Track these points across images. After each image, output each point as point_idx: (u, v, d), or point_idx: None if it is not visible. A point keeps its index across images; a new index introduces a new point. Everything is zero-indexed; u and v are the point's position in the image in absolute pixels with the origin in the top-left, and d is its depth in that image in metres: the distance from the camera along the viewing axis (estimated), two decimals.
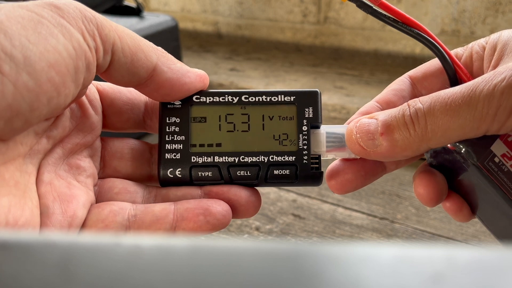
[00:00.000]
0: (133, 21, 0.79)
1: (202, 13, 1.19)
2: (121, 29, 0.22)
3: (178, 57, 0.82)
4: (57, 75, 0.19)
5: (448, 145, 0.24)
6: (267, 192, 0.68)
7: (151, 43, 0.23)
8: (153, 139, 0.28)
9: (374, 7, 0.25)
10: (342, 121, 0.82)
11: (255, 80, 0.91)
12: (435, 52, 0.26)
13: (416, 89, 0.29)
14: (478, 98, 0.21)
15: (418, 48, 0.95)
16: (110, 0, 0.78)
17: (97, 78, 0.24)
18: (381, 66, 0.96)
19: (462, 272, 0.10)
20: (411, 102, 0.23)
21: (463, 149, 0.24)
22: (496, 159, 0.24)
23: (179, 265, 0.11)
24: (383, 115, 0.24)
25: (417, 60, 0.96)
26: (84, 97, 0.25)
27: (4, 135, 0.19)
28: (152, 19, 0.79)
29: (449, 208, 0.27)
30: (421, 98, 0.23)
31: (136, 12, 0.82)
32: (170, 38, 0.79)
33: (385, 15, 0.25)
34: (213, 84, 0.88)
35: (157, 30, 0.77)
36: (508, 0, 0.83)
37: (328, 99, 0.81)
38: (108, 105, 0.26)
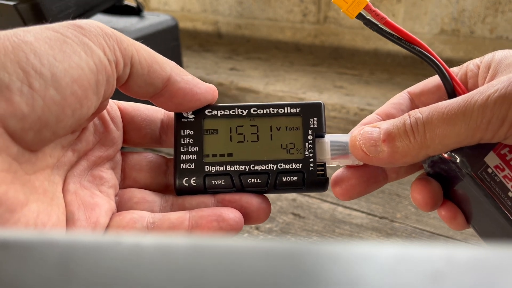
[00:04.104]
0: (133, 20, 0.79)
1: (202, 12, 1.19)
2: (138, 44, 0.24)
3: (178, 56, 0.82)
4: (80, 89, 0.21)
5: (445, 155, 0.26)
6: None
7: (164, 57, 0.26)
8: (166, 154, 0.29)
9: (379, 25, 0.27)
10: (342, 120, 0.82)
11: (255, 79, 0.91)
12: (435, 68, 0.28)
13: (414, 104, 0.31)
14: (473, 108, 0.23)
15: None
16: (110, 0, 0.78)
17: (118, 97, 0.26)
18: (380, 66, 0.96)
19: (462, 271, 0.10)
20: (412, 112, 0.25)
21: (458, 159, 0.25)
22: (489, 170, 0.25)
23: (179, 264, 0.11)
24: (386, 124, 0.26)
25: (416, 60, 0.96)
26: (106, 114, 0.27)
27: (34, 146, 0.21)
28: (152, 19, 0.79)
29: (444, 216, 0.29)
30: (420, 108, 0.25)
31: (136, 11, 0.82)
32: (170, 38, 0.79)
33: (389, 32, 0.27)
34: (213, 84, 0.88)
35: (157, 30, 0.77)
36: (508, 0, 0.83)
37: (328, 99, 0.81)
38: (128, 121, 0.28)
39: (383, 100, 0.82)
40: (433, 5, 0.89)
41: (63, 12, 0.66)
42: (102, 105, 0.24)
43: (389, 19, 0.27)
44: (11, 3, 0.63)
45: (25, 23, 0.64)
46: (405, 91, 0.31)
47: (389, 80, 0.87)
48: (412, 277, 0.10)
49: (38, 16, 0.64)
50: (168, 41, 0.79)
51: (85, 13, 0.70)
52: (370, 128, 0.26)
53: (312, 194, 0.68)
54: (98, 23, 0.23)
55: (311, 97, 0.82)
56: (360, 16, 0.27)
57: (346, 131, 0.91)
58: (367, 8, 0.27)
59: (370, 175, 0.28)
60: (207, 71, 0.92)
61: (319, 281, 0.10)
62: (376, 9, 0.27)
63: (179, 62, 0.82)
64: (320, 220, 0.61)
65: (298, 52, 1.08)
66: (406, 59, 0.95)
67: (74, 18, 0.74)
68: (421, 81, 0.31)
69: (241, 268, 0.11)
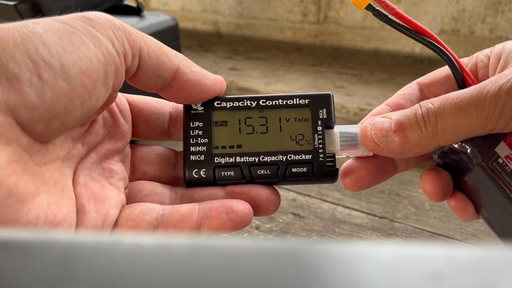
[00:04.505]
0: (133, 20, 0.79)
1: (202, 12, 1.19)
2: (146, 36, 0.24)
3: None
4: (89, 80, 0.21)
5: (455, 145, 0.26)
6: None
7: (172, 49, 0.26)
8: (175, 147, 0.30)
9: (389, 16, 0.27)
10: (342, 120, 0.82)
11: (255, 79, 0.91)
12: (445, 59, 0.27)
13: (424, 94, 0.30)
14: (485, 98, 0.23)
15: (417, 47, 0.95)
16: (110, 0, 0.78)
17: (127, 90, 0.26)
18: (380, 66, 0.96)
19: (462, 270, 0.10)
20: (423, 102, 0.25)
21: (469, 150, 0.25)
22: (500, 160, 0.25)
23: (180, 264, 0.11)
24: (396, 115, 0.26)
25: (416, 60, 0.96)
26: (115, 107, 0.27)
27: (44, 137, 0.21)
28: (152, 19, 0.79)
29: (454, 207, 0.28)
30: (432, 99, 0.25)
31: (136, 11, 0.82)
32: (170, 38, 0.79)
33: (399, 23, 0.27)
34: None
35: (157, 30, 0.77)
36: (508, 0, 0.83)
37: None
38: (137, 114, 0.28)
39: (383, 100, 0.82)
40: (433, 5, 0.89)
41: (63, 12, 0.66)
42: (111, 97, 0.24)
43: (398, 10, 0.27)
44: (11, 3, 0.63)
45: None
46: (415, 81, 0.31)
47: (389, 80, 0.87)
48: (412, 277, 0.10)
49: (38, 16, 0.64)
50: (168, 41, 0.79)
51: None
52: (381, 119, 0.26)
53: (312, 194, 0.68)
54: (106, 15, 0.23)
55: None
56: (369, 7, 0.27)
57: None
58: None
59: (379, 165, 0.28)
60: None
61: (319, 281, 0.10)
62: None
63: None
64: (320, 220, 0.61)
65: (298, 52, 1.08)
66: (406, 59, 0.95)
67: None
68: None
69: (241, 268, 0.11)
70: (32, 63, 0.19)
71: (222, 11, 1.15)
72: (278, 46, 1.10)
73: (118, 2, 0.79)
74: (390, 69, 0.93)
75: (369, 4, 0.27)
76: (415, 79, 0.31)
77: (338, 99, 0.81)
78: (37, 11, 0.64)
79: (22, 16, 0.63)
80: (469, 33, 0.88)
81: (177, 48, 0.81)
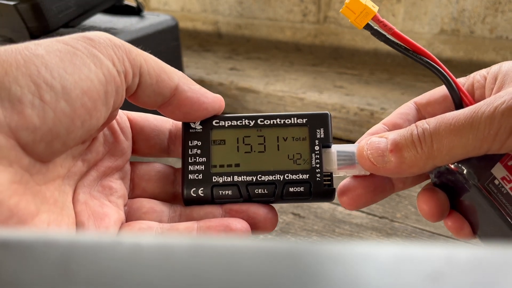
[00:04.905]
0: (133, 20, 0.79)
1: (202, 12, 1.19)
2: (146, 54, 0.25)
3: (178, 56, 0.82)
4: (90, 100, 0.21)
5: (452, 166, 0.26)
6: None
7: (171, 66, 0.26)
8: (173, 164, 0.30)
9: (387, 36, 0.27)
10: (341, 120, 0.82)
11: (255, 79, 0.91)
12: (442, 79, 0.28)
13: (421, 114, 0.31)
14: (480, 119, 0.23)
15: None
16: (110, 0, 0.78)
17: (125, 107, 0.26)
18: (380, 66, 0.96)
19: (461, 270, 0.10)
20: (419, 123, 0.25)
21: (465, 170, 0.25)
22: (496, 181, 0.25)
23: (179, 264, 0.11)
24: (393, 135, 0.26)
25: None
26: (116, 125, 0.27)
27: (45, 157, 0.21)
28: (152, 19, 0.79)
29: (451, 227, 0.29)
30: (427, 119, 0.25)
31: (136, 11, 0.82)
32: (170, 38, 0.79)
33: (396, 43, 0.28)
34: (213, 84, 0.88)
35: (157, 30, 0.77)
36: (508, 0, 0.83)
37: (328, 98, 0.81)
38: (137, 132, 0.28)
39: (383, 100, 0.82)
40: (433, 5, 0.89)
41: (63, 12, 0.66)
42: (112, 116, 0.25)
43: (396, 30, 0.27)
44: (11, 3, 0.63)
45: (25, 23, 0.64)
46: (412, 101, 0.31)
47: (389, 80, 0.87)
48: (412, 277, 0.10)
49: (38, 16, 0.64)
50: (168, 41, 0.79)
51: (85, 13, 0.70)
52: (378, 139, 0.26)
53: None
54: (107, 34, 0.23)
55: (311, 97, 0.82)
56: (367, 27, 0.27)
57: (346, 130, 0.91)
58: (374, 19, 0.27)
59: (376, 184, 0.29)
60: (207, 71, 0.92)
61: (319, 281, 0.10)
62: (383, 19, 0.27)
63: (179, 62, 0.82)
64: (320, 220, 0.61)
65: (298, 52, 1.08)
66: (406, 59, 0.95)
67: (74, 18, 0.73)
68: (420, 81, 0.31)
69: (241, 268, 0.11)
70: (34, 85, 0.20)
71: (222, 11, 1.15)
72: (278, 46, 1.10)
73: (118, 2, 0.79)
74: (390, 69, 0.93)
75: (368, 24, 0.27)
76: (415, 79, 0.31)
77: (338, 99, 0.81)
78: (37, 11, 0.64)
79: (22, 16, 0.63)
80: (469, 33, 0.88)
81: (177, 48, 0.81)
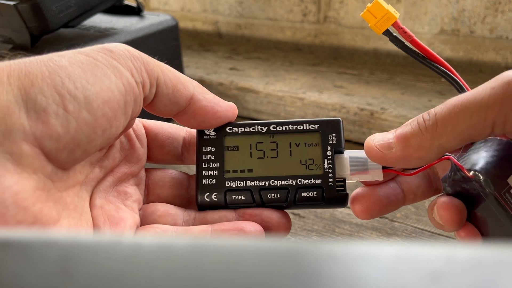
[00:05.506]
0: (133, 20, 0.78)
1: (202, 12, 1.19)
2: (163, 65, 0.26)
3: (178, 56, 0.81)
4: (110, 110, 0.22)
5: (468, 174, 0.25)
6: None
7: (186, 76, 0.27)
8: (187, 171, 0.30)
9: (405, 43, 0.27)
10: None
11: (255, 79, 0.91)
12: (458, 89, 0.28)
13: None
14: (483, 90, 0.23)
15: None
16: (110, 0, 0.78)
17: (142, 115, 0.27)
18: (380, 65, 0.96)
19: (461, 270, 0.10)
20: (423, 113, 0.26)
21: (482, 178, 0.25)
22: None
23: (180, 264, 0.11)
24: (399, 129, 0.26)
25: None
26: (132, 132, 0.28)
27: (66, 164, 0.22)
28: (152, 19, 0.79)
29: (464, 238, 0.28)
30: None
31: (136, 11, 0.82)
32: (170, 38, 0.79)
33: (414, 51, 0.27)
34: (213, 83, 0.88)
35: (157, 30, 0.77)
36: (508, 0, 0.83)
37: (328, 98, 0.81)
38: (152, 139, 0.29)
39: (383, 99, 0.82)
40: (433, 5, 0.89)
41: (63, 12, 0.66)
42: (129, 124, 0.25)
43: (415, 37, 0.27)
44: (11, 3, 0.63)
45: (25, 23, 0.64)
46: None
47: (389, 80, 0.87)
48: (412, 277, 0.10)
49: (38, 16, 0.64)
50: (168, 41, 0.79)
51: (85, 13, 0.70)
52: (384, 132, 0.27)
53: None
54: (126, 46, 0.24)
55: (311, 96, 0.82)
56: (387, 32, 0.27)
57: (346, 130, 0.90)
58: (395, 25, 0.27)
59: (389, 194, 0.29)
60: (207, 71, 0.92)
61: (319, 281, 0.10)
62: (403, 26, 0.27)
63: (179, 62, 0.82)
64: (320, 219, 0.61)
65: (298, 52, 1.08)
66: (406, 59, 0.95)
67: (74, 18, 0.73)
68: (420, 81, 0.31)
69: (241, 268, 0.11)
70: (59, 96, 0.20)
71: (222, 11, 1.15)
72: (278, 46, 1.10)
73: (118, 2, 0.79)
74: (390, 69, 0.93)
75: (387, 30, 0.27)
76: (415, 79, 0.31)
77: (338, 99, 0.81)
78: (37, 11, 0.64)
79: (22, 16, 0.63)
80: (469, 33, 0.88)
81: (177, 48, 0.81)
